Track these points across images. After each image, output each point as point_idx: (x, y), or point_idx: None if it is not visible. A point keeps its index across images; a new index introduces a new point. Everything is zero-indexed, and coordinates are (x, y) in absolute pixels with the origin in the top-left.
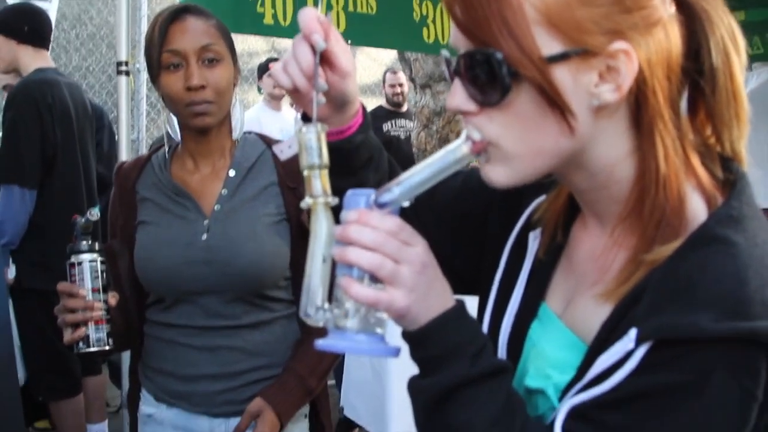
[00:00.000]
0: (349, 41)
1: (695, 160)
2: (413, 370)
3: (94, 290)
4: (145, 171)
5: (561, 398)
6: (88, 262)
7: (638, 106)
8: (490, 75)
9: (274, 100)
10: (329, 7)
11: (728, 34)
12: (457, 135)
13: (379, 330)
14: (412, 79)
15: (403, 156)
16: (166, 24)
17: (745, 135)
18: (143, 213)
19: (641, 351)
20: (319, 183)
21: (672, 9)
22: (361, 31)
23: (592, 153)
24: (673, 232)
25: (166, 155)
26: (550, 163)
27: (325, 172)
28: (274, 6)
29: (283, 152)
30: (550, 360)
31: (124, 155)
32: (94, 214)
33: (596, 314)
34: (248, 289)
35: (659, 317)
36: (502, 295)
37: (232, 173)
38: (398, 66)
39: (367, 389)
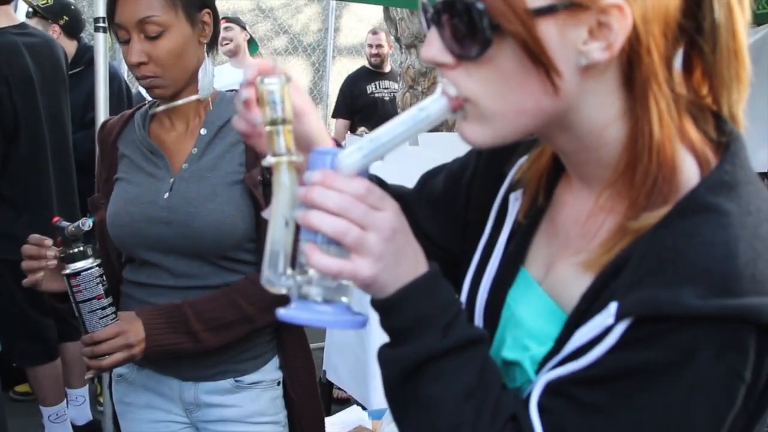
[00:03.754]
0: None
1: (688, 122)
2: None
3: (99, 297)
4: (127, 128)
5: (538, 371)
6: (87, 271)
7: (630, 65)
8: (469, 26)
9: (234, 57)
10: None
11: None
12: None
13: (344, 299)
14: (397, 39)
15: (387, 118)
16: None
17: (744, 98)
18: (121, 169)
19: (621, 327)
20: (282, 140)
21: None
22: None
23: (579, 114)
24: (662, 199)
25: (148, 112)
26: (531, 124)
27: (289, 128)
28: None
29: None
30: (528, 329)
31: (102, 114)
32: (87, 224)
33: (577, 283)
34: (209, 251)
35: (641, 291)
36: (483, 260)
37: (203, 132)
38: (384, 26)
39: (350, 352)
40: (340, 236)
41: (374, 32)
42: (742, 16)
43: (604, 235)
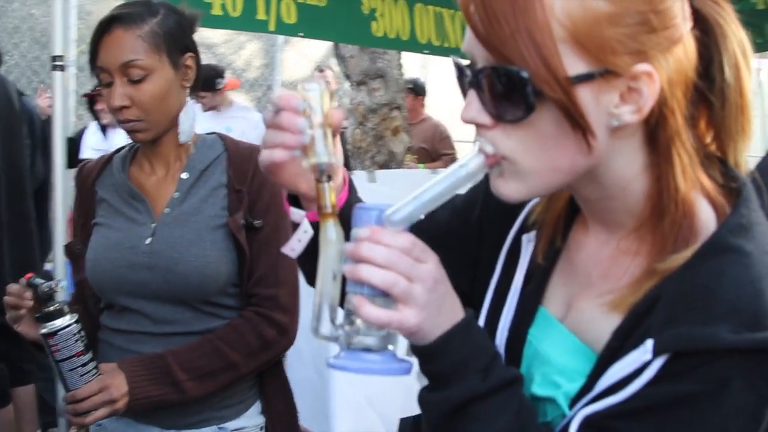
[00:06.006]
0: (301, 33)
1: (701, 171)
2: None
3: (78, 354)
4: (105, 171)
5: (571, 406)
6: (64, 329)
7: (655, 124)
8: (513, 92)
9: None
10: None
11: (740, 48)
12: (393, 132)
13: (390, 347)
14: (347, 76)
15: None
16: (96, 37)
17: (748, 147)
18: (100, 214)
19: (659, 362)
20: (328, 197)
21: (689, 24)
22: (312, 24)
23: (607, 169)
24: (685, 242)
25: (127, 156)
26: (564, 180)
27: (332, 185)
28: None
29: (295, 249)
30: (557, 366)
31: (59, 155)
32: (60, 286)
33: (605, 322)
34: (193, 296)
35: (677, 328)
36: (497, 300)
37: (185, 176)
38: (327, 63)
39: (310, 388)
40: (389, 287)
41: (320, 70)
42: (749, 74)
43: (631, 277)
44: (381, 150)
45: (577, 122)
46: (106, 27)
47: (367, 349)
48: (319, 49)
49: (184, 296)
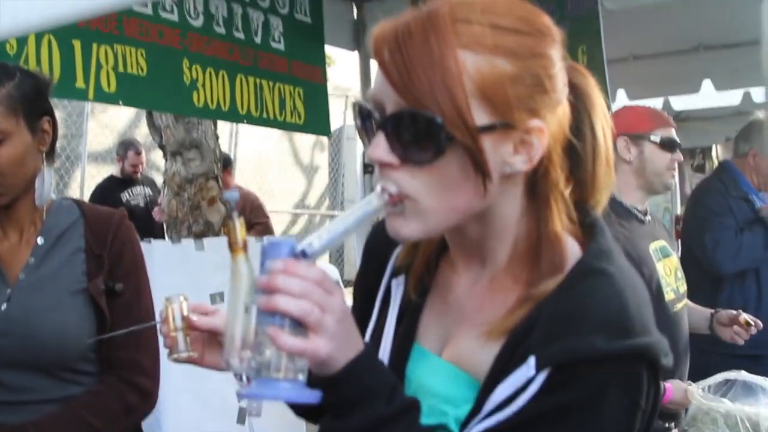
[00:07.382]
0: (121, 102)
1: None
2: (183, 378)
3: None
4: None
5: (462, 429)
6: None
7: (539, 173)
8: (424, 136)
9: None
10: (99, 67)
11: (604, 114)
12: (209, 202)
13: (300, 376)
14: (162, 147)
15: (144, 224)
16: None
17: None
18: None
19: (542, 376)
20: (238, 234)
21: (566, 90)
22: (132, 93)
23: (494, 211)
24: (556, 270)
25: None
26: (458, 219)
27: (242, 222)
28: (39, 62)
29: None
30: (442, 396)
31: None
32: None
33: (484, 350)
34: (51, 363)
35: (557, 344)
36: (374, 342)
37: (40, 241)
38: (131, 134)
39: None
40: (304, 316)
41: (137, 152)
42: (611, 135)
43: (506, 307)
44: (198, 220)
45: (480, 167)
46: None
47: (278, 379)
48: (122, 119)
49: (42, 363)
